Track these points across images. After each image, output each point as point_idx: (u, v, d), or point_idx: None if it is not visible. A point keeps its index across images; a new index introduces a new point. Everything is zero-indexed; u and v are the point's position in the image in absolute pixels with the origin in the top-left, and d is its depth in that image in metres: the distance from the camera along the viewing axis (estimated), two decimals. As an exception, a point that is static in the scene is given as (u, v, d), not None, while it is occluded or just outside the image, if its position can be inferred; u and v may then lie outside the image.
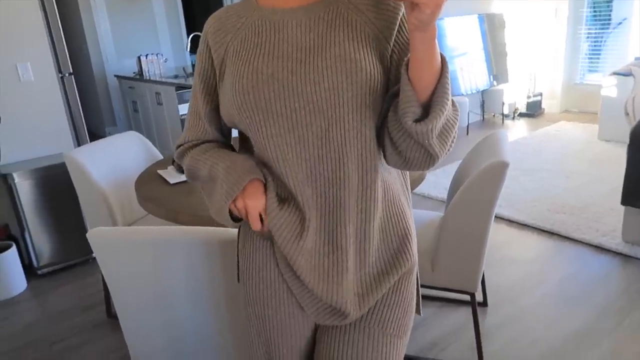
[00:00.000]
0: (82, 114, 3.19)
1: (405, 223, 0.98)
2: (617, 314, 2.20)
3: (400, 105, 0.80)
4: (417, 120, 0.80)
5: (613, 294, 2.36)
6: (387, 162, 0.90)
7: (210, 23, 0.95)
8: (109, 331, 2.34)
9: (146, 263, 1.34)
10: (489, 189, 1.70)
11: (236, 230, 1.29)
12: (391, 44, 0.86)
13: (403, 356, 1.02)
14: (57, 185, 2.87)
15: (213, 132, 1.01)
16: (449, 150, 0.85)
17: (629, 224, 2.72)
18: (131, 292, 1.42)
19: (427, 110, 0.80)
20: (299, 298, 0.97)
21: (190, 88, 4.15)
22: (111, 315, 2.46)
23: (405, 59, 0.82)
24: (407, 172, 1.03)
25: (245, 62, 0.87)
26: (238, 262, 1.08)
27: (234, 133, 1.56)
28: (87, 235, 1.35)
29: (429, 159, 0.84)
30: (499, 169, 1.68)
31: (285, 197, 0.91)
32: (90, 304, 2.59)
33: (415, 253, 1.01)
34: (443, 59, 0.79)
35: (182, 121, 4.20)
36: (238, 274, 1.10)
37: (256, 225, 0.89)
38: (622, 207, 3.19)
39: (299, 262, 0.92)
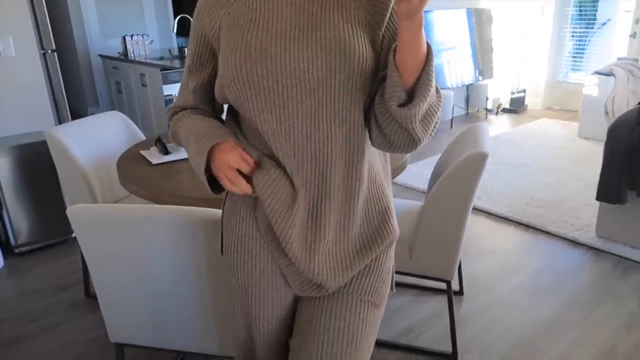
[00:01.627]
0: (64, 92, 3.14)
1: (386, 200, 1.01)
2: (585, 306, 2.27)
3: (386, 89, 0.83)
4: (402, 105, 0.82)
5: (583, 286, 2.43)
6: (372, 144, 0.93)
7: None
8: (87, 311, 2.33)
9: (127, 240, 1.35)
10: (468, 179, 1.74)
11: (219, 210, 1.30)
12: (382, 30, 0.88)
13: (378, 327, 1.06)
14: (36, 163, 2.83)
15: (199, 105, 1.04)
16: (431, 134, 0.89)
17: (602, 219, 2.80)
18: (111, 270, 1.42)
19: (411, 95, 0.83)
20: (283, 270, 1.00)
21: (175, 69, 4.11)
22: (89, 295, 2.45)
23: (393, 45, 0.84)
24: (388, 155, 1.06)
25: (238, 37, 0.88)
26: (222, 234, 1.10)
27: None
28: (67, 211, 1.35)
29: (411, 142, 0.87)
30: (478, 160, 1.72)
31: (274, 170, 0.93)
32: (68, 283, 2.57)
33: (397, 228, 1.04)
34: (429, 47, 0.82)
35: (167, 102, 4.17)
36: (222, 246, 1.11)
37: (238, 183, 0.89)
38: (597, 203, 3.27)
39: (288, 235, 0.93)
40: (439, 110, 0.87)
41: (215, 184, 0.98)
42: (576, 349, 1.99)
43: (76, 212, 1.35)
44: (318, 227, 0.94)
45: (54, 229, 2.96)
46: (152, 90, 4.44)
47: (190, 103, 1.04)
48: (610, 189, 2.61)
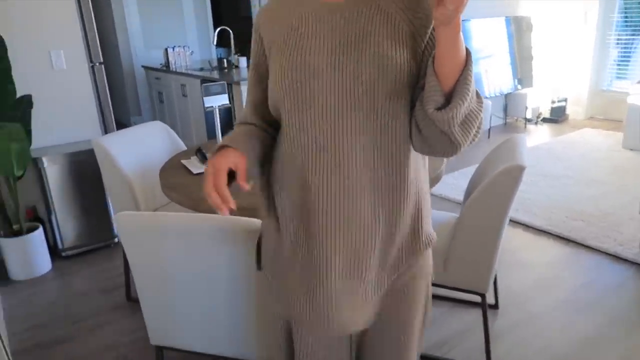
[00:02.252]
0: (110, 103, 3.29)
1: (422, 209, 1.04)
2: (628, 324, 2.20)
3: (425, 94, 0.86)
4: (439, 108, 0.84)
5: (626, 303, 2.35)
6: (414, 148, 0.95)
7: (262, 13, 1.03)
8: (128, 313, 2.42)
9: (169, 247, 1.41)
10: (505, 192, 1.72)
11: (258, 220, 1.34)
12: (425, 42, 0.92)
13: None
14: (83, 170, 2.97)
15: (257, 120, 1.07)
16: (473, 140, 0.90)
17: (647, 234, 2.70)
18: (153, 274, 1.48)
19: (449, 99, 0.85)
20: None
21: (215, 81, 4.22)
22: (130, 298, 2.54)
23: (433, 52, 0.87)
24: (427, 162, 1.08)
25: (293, 52, 0.93)
26: (260, 249, 1.13)
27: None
28: (114, 218, 1.42)
29: (451, 146, 0.88)
30: (515, 172, 1.70)
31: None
32: (110, 287, 2.68)
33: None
34: (468, 53, 0.84)
35: (207, 113, 4.28)
36: (259, 261, 1.14)
37: (205, 187, 0.90)
38: (642, 217, 3.16)
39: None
40: (479, 115, 0.88)
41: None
42: (618, 369, 1.93)
43: (122, 219, 1.41)
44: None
45: (98, 234, 3.09)
46: (192, 100, 4.58)
47: (248, 117, 1.08)
48: (656, 203, 2.51)
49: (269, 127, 1.08)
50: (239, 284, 1.42)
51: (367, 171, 0.93)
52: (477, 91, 0.87)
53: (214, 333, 1.53)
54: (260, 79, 1.04)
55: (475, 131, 0.89)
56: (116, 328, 2.32)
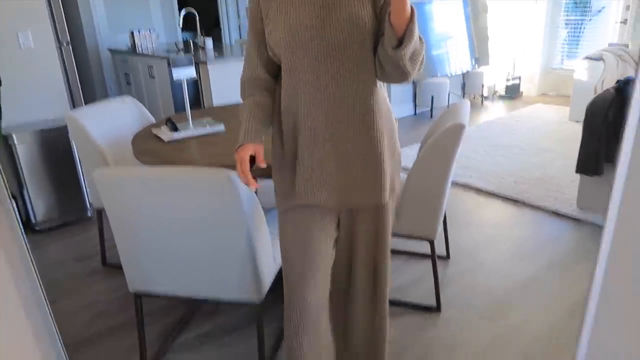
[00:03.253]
0: (79, 82, 3.36)
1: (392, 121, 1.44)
2: (562, 268, 2.47)
3: (384, 39, 1.22)
4: (395, 48, 1.19)
5: (562, 252, 2.62)
6: (378, 77, 1.32)
7: None
8: (105, 278, 2.56)
9: (146, 198, 1.56)
10: (448, 148, 1.93)
11: (231, 170, 1.50)
12: (381, 4, 1.28)
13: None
14: (54, 147, 3.05)
15: (263, 72, 1.39)
16: (418, 70, 1.26)
17: (583, 191, 2.98)
18: (130, 225, 1.63)
19: (401, 42, 1.19)
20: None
21: (181, 64, 4.31)
22: (106, 264, 2.67)
23: (388, 10, 1.20)
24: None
25: (291, 15, 1.27)
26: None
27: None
28: (94, 174, 1.56)
29: (404, 75, 1.25)
30: (456, 130, 1.91)
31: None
32: (86, 255, 2.80)
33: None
34: (412, 10, 1.17)
35: (174, 89, 4.38)
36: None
37: (242, 175, 1.30)
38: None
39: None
40: (422, 52, 1.25)
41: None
42: (550, 303, 2.19)
43: (101, 173, 1.56)
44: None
45: (71, 208, 3.19)
46: (159, 79, 4.65)
47: (258, 72, 1.39)
48: (588, 161, 2.79)
49: (272, 80, 1.41)
50: (215, 229, 1.59)
51: (344, 96, 1.28)
52: (419, 36, 1.22)
53: (191, 276, 1.70)
54: (262, 39, 1.36)
55: (420, 64, 1.25)
56: (94, 290, 2.45)
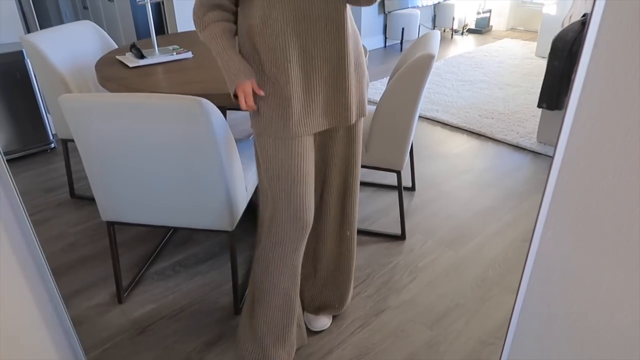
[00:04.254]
0: (31, 2, 3.15)
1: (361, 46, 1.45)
2: (519, 197, 2.61)
3: None
4: None
5: (520, 182, 2.76)
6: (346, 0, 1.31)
7: None
8: (74, 209, 2.55)
9: (113, 123, 1.54)
10: (417, 78, 1.95)
11: (198, 97, 1.49)
12: None
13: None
14: (11, 74, 2.90)
15: (225, 2, 1.33)
16: None
17: (543, 126, 3.10)
18: (102, 152, 1.62)
19: None
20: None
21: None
22: (74, 195, 2.65)
23: None
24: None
25: None
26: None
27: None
28: (59, 99, 1.51)
29: None
30: (426, 60, 1.93)
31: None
32: (53, 187, 2.76)
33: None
34: None
35: (136, 18, 4.16)
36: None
37: (249, 107, 1.34)
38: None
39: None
40: None
41: None
42: (506, 229, 2.34)
43: (68, 99, 1.52)
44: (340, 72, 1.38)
45: (34, 138, 3.09)
46: (119, 4, 4.40)
47: (224, 2, 1.32)
48: (550, 96, 2.88)
49: (234, 9, 1.36)
50: (188, 157, 1.59)
51: (319, 19, 1.27)
52: None
53: (164, 205, 1.72)
54: None
55: None
56: (63, 220, 2.45)
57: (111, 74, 2.04)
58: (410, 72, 1.95)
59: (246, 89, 1.32)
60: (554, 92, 2.87)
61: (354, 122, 1.45)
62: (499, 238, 2.28)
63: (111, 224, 1.83)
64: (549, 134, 3.08)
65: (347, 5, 1.32)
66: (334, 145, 1.52)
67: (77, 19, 5.42)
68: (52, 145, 3.19)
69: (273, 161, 1.41)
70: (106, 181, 1.69)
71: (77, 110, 1.53)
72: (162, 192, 1.69)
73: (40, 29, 2.61)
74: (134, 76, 2.01)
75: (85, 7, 5.06)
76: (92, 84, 2.54)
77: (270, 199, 1.47)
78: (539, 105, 2.95)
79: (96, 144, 1.60)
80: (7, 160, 3.04)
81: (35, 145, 3.12)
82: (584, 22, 2.80)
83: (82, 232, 2.36)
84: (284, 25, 1.25)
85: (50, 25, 5.90)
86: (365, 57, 1.51)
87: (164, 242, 2.27)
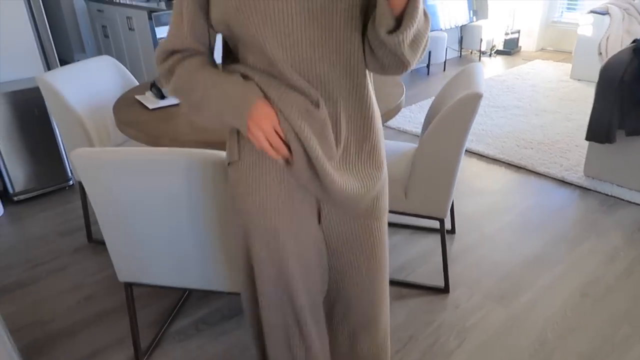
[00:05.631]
0: (50, 36, 3.06)
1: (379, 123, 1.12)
2: (571, 241, 2.38)
3: (376, 17, 0.88)
4: (391, 32, 0.88)
5: (570, 223, 2.53)
6: (368, 67, 1.00)
7: None
8: (91, 255, 2.40)
9: (131, 183, 1.38)
10: (462, 120, 1.77)
11: (220, 152, 1.32)
12: None
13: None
14: (29, 110, 2.80)
15: (195, 43, 1.01)
16: (420, 58, 0.96)
17: (591, 159, 2.86)
18: (116, 211, 1.46)
19: (400, 21, 0.88)
20: (319, 196, 1.07)
21: (162, 10, 3.99)
22: (92, 240, 2.51)
23: None
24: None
25: None
26: (239, 141, 1.08)
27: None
28: (71, 155, 1.37)
29: (401, 66, 0.94)
30: (473, 101, 1.74)
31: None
32: (69, 229, 2.63)
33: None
34: None
35: (156, 46, 4.07)
36: (239, 152, 1.08)
37: (282, 151, 0.96)
38: (586, 143, 3.33)
39: (321, 157, 1.00)
40: (426, 35, 0.92)
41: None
42: (561, 281, 2.11)
43: (79, 155, 1.37)
44: (339, 144, 1.03)
45: (51, 176, 2.98)
46: (140, 33, 4.33)
47: (187, 43, 1.01)
48: (600, 129, 2.66)
49: (208, 53, 1.06)
50: (202, 215, 1.43)
51: (326, 82, 0.98)
52: (425, 11, 0.90)
53: (181, 266, 1.55)
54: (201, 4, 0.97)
55: (423, 49, 0.94)
56: (80, 269, 2.30)
57: (130, 117, 1.90)
58: (456, 112, 1.76)
59: (270, 117, 0.94)
60: (604, 125, 2.64)
61: (360, 219, 1.13)
62: (554, 292, 2.05)
63: (129, 285, 1.67)
64: (598, 168, 2.84)
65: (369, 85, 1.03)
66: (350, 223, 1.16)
67: (98, 47, 5.39)
68: (71, 182, 3.07)
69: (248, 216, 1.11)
70: (122, 242, 1.53)
71: (90, 167, 1.38)
72: (183, 253, 1.52)
73: (61, 58, 2.54)
74: (153, 120, 1.87)
75: (106, 36, 5.02)
76: (111, 124, 2.41)
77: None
78: (588, 138, 2.73)
79: (111, 202, 1.45)
80: (25, 200, 2.93)
81: (53, 183, 3.00)
82: (636, 49, 2.59)
83: (100, 282, 2.20)
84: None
85: (72, 54, 5.90)
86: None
87: (186, 295, 2.10)
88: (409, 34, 0.87)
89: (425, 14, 0.90)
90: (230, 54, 1.06)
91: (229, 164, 1.10)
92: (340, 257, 1.18)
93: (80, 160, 1.37)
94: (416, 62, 0.95)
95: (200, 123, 1.04)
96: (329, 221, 1.14)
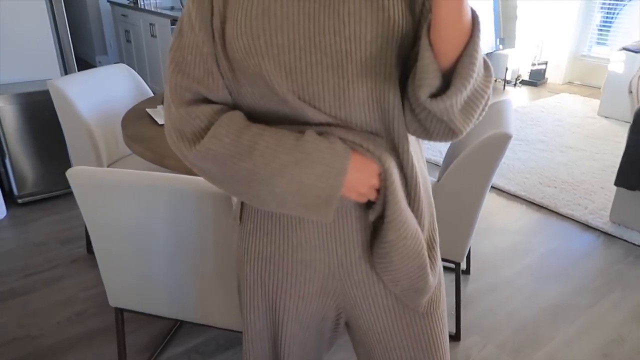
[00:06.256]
0: (69, 38, 3.03)
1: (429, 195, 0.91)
2: (594, 293, 2.23)
3: (418, 73, 0.68)
4: (435, 95, 0.68)
5: (593, 272, 2.38)
6: (408, 129, 0.78)
7: None
8: (88, 267, 2.31)
9: (126, 207, 1.29)
10: (488, 161, 1.65)
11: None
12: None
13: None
14: (42, 112, 2.76)
15: (223, 88, 0.78)
16: (477, 121, 0.74)
17: (618, 204, 2.71)
18: (110, 234, 1.37)
19: (449, 79, 0.68)
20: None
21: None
22: (91, 251, 2.42)
23: (429, 16, 0.69)
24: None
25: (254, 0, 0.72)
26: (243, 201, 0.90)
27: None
28: (67, 173, 1.28)
29: (451, 134, 0.73)
30: (501, 141, 1.63)
31: None
32: (70, 237, 2.55)
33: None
34: (474, 17, 0.66)
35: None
36: (241, 214, 0.91)
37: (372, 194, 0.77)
38: (613, 187, 3.18)
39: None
40: (486, 95, 0.71)
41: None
42: (581, 337, 1.96)
43: (75, 174, 1.28)
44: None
45: (58, 180, 2.92)
46: (161, 41, 4.30)
47: (221, 95, 0.78)
48: (631, 176, 2.51)
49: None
50: (200, 247, 1.33)
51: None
52: (485, 61, 0.70)
53: (175, 297, 1.45)
54: (207, 28, 0.75)
55: (480, 113, 0.73)
56: (75, 282, 2.21)
57: (138, 132, 1.82)
58: (481, 153, 1.65)
59: (371, 181, 0.75)
60: (635, 170, 2.50)
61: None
62: (574, 349, 1.90)
63: (120, 311, 1.57)
64: (626, 215, 2.69)
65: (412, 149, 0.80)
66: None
67: (120, 51, 5.39)
68: (77, 188, 3.00)
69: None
70: (115, 267, 1.44)
71: (86, 186, 1.29)
72: (177, 284, 1.42)
73: (83, 59, 2.49)
74: (162, 136, 1.78)
75: (128, 41, 5.01)
76: (120, 135, 2.34)
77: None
78: (617, 184, 2.58)
79: (105, 225, 1.35)
80: (31, 202, 2.87)
81: (60, 188, 2.94)
82: (674, 93, 2.45)
83: (93, 298, 2.11)
84: None
85: (94, 56, 5.91)
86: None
87: (180, 321, 1.99)
88: (460, 97, 0.66)
89: (485, 65, 0.70)
90: None
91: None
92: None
93: (76, 178, 1.29)
94: (471, 127, 0.74)
95: (257, 204, 0.78)
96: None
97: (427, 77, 0.67)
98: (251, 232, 0.89)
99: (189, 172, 1.56)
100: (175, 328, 1.95)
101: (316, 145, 0.72)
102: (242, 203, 0.91)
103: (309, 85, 0.73)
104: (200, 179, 1.23)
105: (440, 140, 0.76)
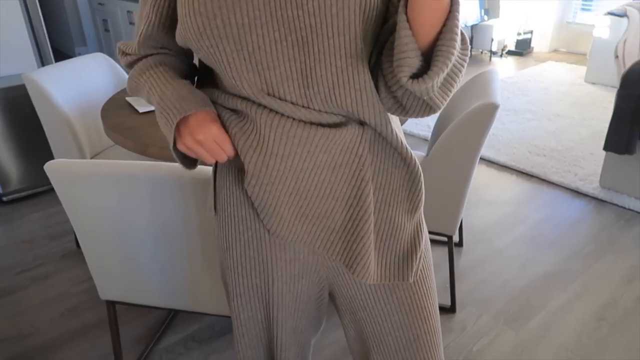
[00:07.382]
0: (45, 29, 2.94)
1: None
2: (586, 259, 2.24)
3: (395, 54, 0.65)
4: (415, 76, 0.65)
5: (585, 238, 2.39)
6: (382, 105, 0.74)
7: None
8: (78, 262, 2.29)
9: (109, 198, 1.26)
10: (477, 131, 1.63)
11: (206, 167, 1.20)
12: None
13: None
14: (21, 108, 2.69)
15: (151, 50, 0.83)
16: (452, 95, 0.73)
17: (607, 169, 2.72)
18: (95, 227, 1.34)
19: (428, 58, 0.65)
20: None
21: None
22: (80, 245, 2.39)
23: None
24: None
25: None
26: (215, 191, 0.92)
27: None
28: (45, 167, 1.25)
29: (428, 109, 0.71)
30: (488, 111, 1.61)
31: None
32: (58, 233, 2.51)
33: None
34: None
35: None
36: (215, 204, 0.92)
37: (219, 155, 0.75)
38: (602, 152, 3.18)
39: None
40: (463, 67, 0.68)
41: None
42: (575, 303, 1.97)
43: (54, 168, 1.25)
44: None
45: (42, 176, 2.86)
46: (140, 29, 4.20)
47: (151, 45, 0.82)
48: (620, 140, 2.51)
49: (182, 52, 0.87)
50: (187, 234, 1.30)
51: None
52: (462, 33, 0.66)
53: (166, 286, 1.43)
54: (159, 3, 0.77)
55: (457, 85, 0.70)
56: (65, 277, 2.19)
57: (118, 121, 1.77)
58: (469, 124, 1.63)
59: (215, 129, 0.74)
60: (624, 134, 2.50)
61: (371, 281, 0.84)
62: (568, 315, 1.92)
63: (111, 303, 1.55)
64: (616, 179, 2.70)
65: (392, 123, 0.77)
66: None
67: (99, 41, 5.28)
68: (63, 182, 2.95)
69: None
70: (103, 259, 1.41)
71: (66, 180, 1.26)
72: (167, 273, 1.40)
73: (62, 51, 2.42)
74: (143, 125, 1.74)
75: (106, 30, 4.90)
76: (101, 125, 2.29)
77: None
78: (606, 149, 2.58)
79: (89, 218, 1.32)
80: (16, 199, 2.82)
81: (45, 183, 2.89)
82: (660, 55, 2.43)
83: (85, 292, 2.09)
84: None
85: (73, 47, 5.78)
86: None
87: (175, 310, 1.98)
88: (440, 77, 0.63)
89: (462, 36, 0.66)
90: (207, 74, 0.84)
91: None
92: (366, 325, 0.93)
93: (55, 172, 1.25)
94: (447, 101, 0.72)
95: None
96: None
97: (407, 56, 0.63)
98: (226, 221, 0.88)
99: (172, 160, 1.53)
100: (170, 317, 1.94)
101: (162, 105, 0.75)
102: (214, 194, 0.90)
103: (274, 67, 0.69)
104: (179, 165, 1.20)
105: (417, 116, 0.73)
